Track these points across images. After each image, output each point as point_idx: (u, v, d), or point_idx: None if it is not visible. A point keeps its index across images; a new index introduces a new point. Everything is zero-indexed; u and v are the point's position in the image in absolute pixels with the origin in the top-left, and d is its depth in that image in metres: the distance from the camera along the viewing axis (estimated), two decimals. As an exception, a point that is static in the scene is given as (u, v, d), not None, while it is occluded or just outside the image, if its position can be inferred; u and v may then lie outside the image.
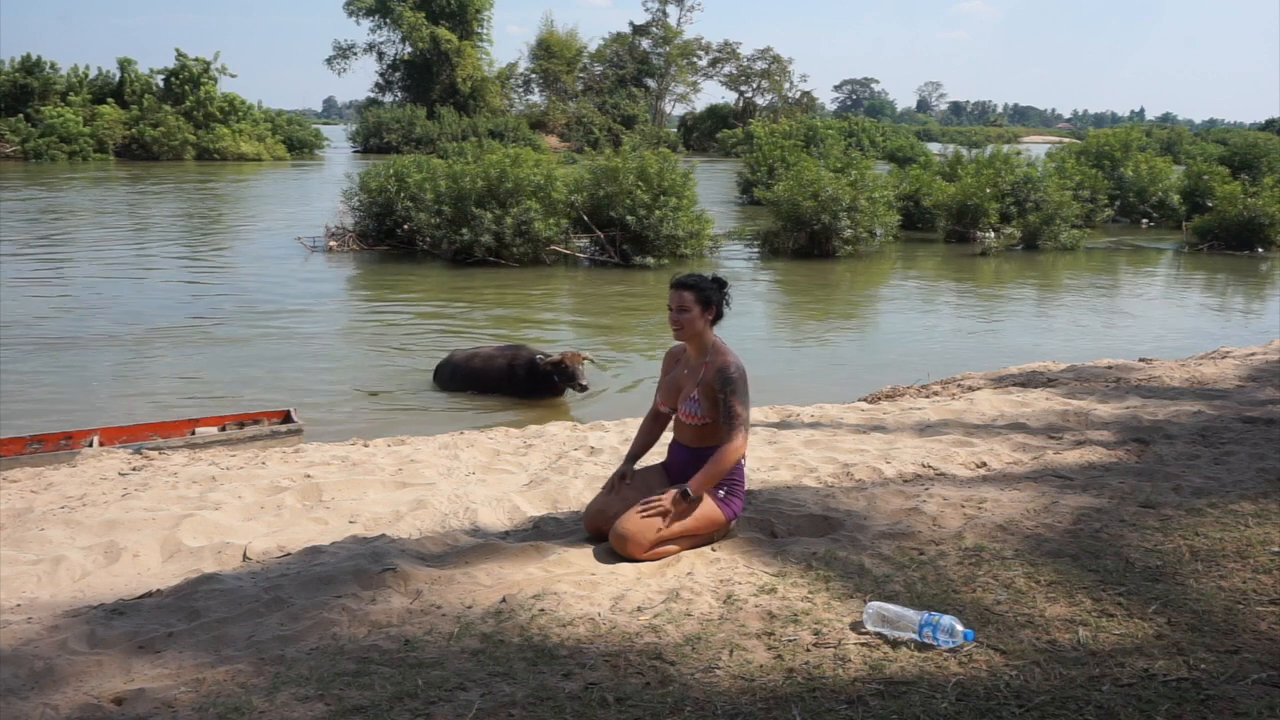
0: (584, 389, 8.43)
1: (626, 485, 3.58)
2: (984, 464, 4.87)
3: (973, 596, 2.89)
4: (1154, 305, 15.93)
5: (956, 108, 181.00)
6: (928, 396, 7.71)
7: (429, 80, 58.43)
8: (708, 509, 3.40)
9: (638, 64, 66.09)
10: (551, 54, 63.94)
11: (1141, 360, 8.94)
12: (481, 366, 8.95)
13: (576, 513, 4.02)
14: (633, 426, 6.43)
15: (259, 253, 18.25)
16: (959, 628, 2.57)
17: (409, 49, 59.04)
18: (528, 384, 8.62)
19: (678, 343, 3.57)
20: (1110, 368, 8.32)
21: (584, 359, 8.58)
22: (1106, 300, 16.17)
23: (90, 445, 6.44)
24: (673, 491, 3.37)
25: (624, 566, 3.28)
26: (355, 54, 62.20)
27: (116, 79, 47.73)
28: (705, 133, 66.51)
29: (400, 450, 5.83)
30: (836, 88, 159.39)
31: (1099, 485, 4.10)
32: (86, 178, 34.91)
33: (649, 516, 3.32)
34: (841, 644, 2.58)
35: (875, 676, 2.40)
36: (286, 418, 7.22)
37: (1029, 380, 8.01)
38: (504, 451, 5.75)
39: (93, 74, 47.75)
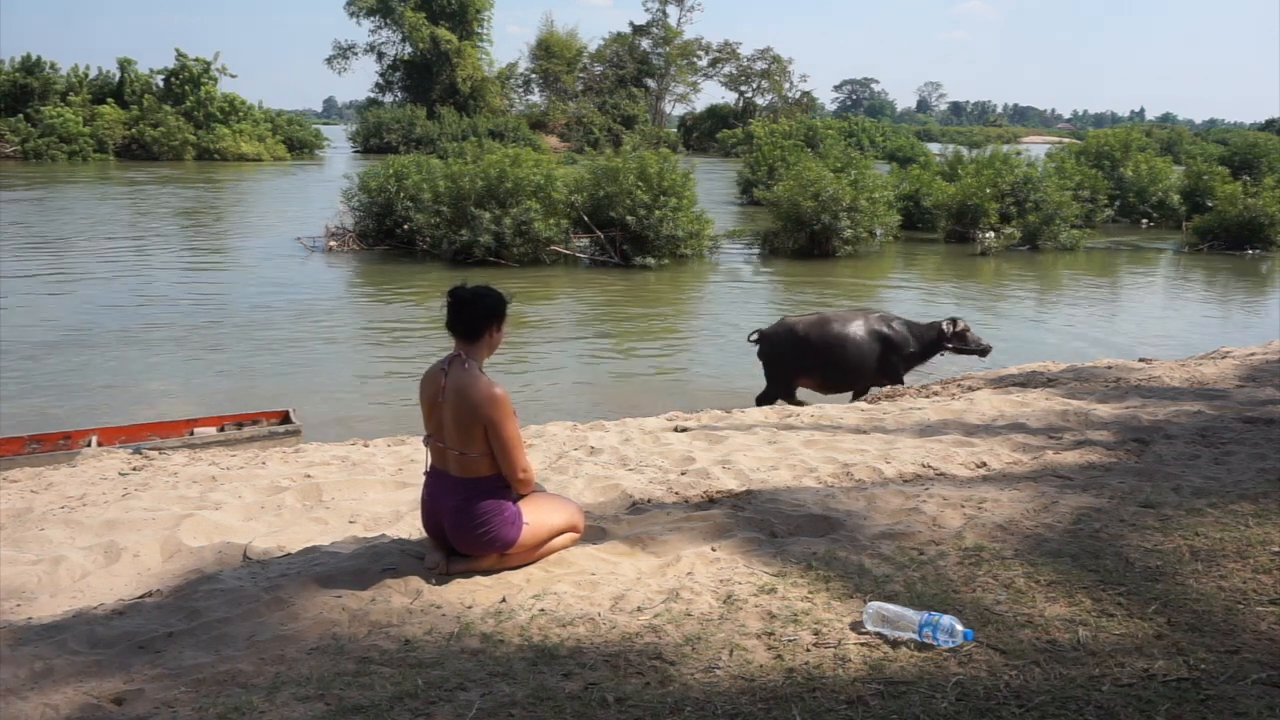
0: (988, 351, 8.39)
1: None
2: (984, 464, 4.86)
3: (973, 596, 2.89)
4: (1154, 305, 15.93)
5: (956, 108, 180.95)
6: (928, 396, 7.70)
7: (429, 80, 58.39)
8: None
9: (638, 64, 66.03)
10: (551, 54, 63.93)
11: (1141, 360, 8.93)
12: (840, 333, 7.72)
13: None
14: (633, 426, 6.43)
15: (259, 253, 18.25)
16: (959, 628, 2.57)
17: (409, 49, 59.03)
18: (915, 353, 8.12)
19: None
20: (1110, 368, 8.31)
21: None
22: (1106, 300, 16.17)
23: (89, 445, 6.45)
24: None
25: (624, 566, 3.27)
26: (355, 54, 62.26)
27: (116, 79, 47.68)
28: (705, 133, 66.47)
29: (400, 450, 5.83)
30: (836, 88, 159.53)
31: (1099, 485, 4.09)
32: (86, 178, 34.89)
33: None
34: (841, 644, 2.58)
35: (875, 676, 2.40)
36: (285, 418, 7.22)
37: (1029, 380, 7.99)
38: (504, 451, 5.73)
39: (93, 74, 47.75)
